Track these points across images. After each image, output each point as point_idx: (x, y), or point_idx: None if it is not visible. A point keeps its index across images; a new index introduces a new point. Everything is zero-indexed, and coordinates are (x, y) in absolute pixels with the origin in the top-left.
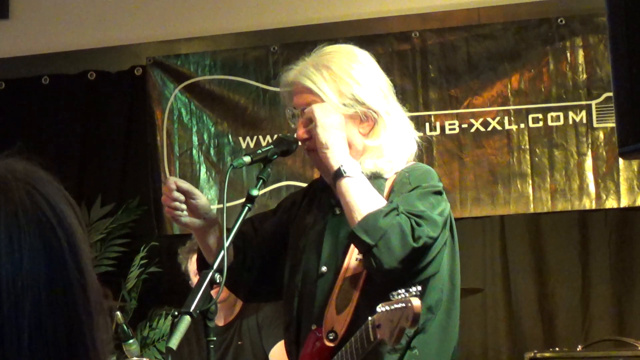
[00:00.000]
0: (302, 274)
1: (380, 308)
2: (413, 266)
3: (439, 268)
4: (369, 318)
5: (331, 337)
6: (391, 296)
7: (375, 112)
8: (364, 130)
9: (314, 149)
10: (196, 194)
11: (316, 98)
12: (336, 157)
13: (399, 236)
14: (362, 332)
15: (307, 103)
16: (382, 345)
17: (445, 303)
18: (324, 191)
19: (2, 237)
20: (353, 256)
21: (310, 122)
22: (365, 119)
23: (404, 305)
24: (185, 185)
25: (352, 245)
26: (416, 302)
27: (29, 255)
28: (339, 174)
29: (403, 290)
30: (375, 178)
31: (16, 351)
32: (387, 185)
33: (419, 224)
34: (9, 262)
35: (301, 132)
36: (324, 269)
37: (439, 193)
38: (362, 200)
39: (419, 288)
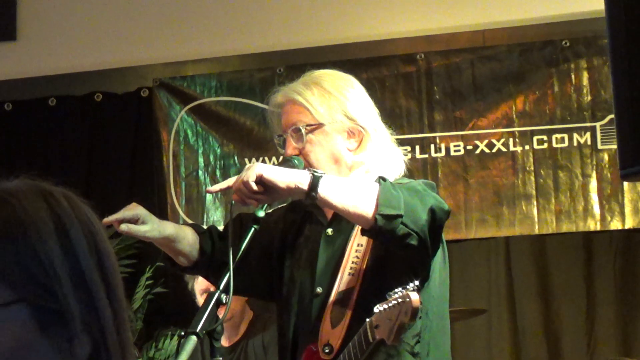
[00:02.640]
0: (297, 295)
1: (377, 308)
2: (436, 232)
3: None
4: (367, 320)
5: (327, 351)
6: (387, 296)
7: (363, 128)
8: (352, 145)
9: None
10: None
11: (305, 112)
12: (299, 177)
13: (416, 196)
14: (360, 335)
15: (296, 118)
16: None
17: (436, 315)
18: (316, 209)
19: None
20: (346, 271)
21: (300, 138)
22: (353, 135)
23: (402, 300)
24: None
25: (344, 261)
26: (414, 295)
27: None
28: (315, 182)
29: (400, 288)
30: None
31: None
32: None
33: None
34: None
35: (291, 149)
36: (318, 289)
37: (433, 189)
38: (357, 190)
39: (417, 283)
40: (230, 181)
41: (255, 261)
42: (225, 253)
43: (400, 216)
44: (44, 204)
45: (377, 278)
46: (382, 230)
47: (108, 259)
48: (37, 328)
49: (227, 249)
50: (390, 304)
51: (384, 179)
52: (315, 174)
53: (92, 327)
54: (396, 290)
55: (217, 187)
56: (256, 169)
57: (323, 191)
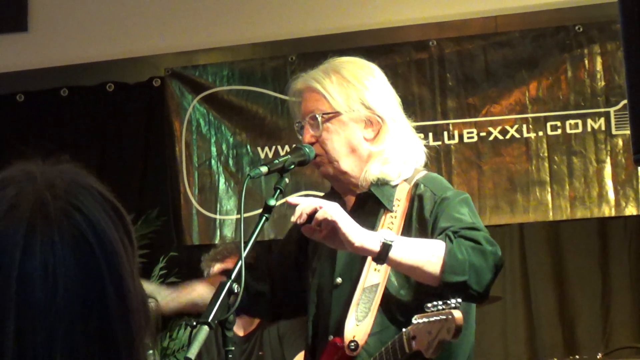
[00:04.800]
0: (317, 285)
1: (416, 320)
2: (494, 280)
3: None
4: (404, 330)
5: (352, 347)
6: (427, 308)
7: (380, 118)
8: (369, 135)
9: (323, 163)
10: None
11: (322, 99)
12: (370, 240)
13: (481, 257)
14: (395, 343)
15: (313, 106)
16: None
17: (462, 308)
18: (336, 199)
19: (37, 263)
20: (371, 266)
21: (317, 126)
22: (370, 124)
23: (444, 317)
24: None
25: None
26: (458, 314)
27: (63, 283)
28: (386, 250)
29: (441, 302)
30: (381, 185)
31: None
32: (402, 195)
33: (478, 242)
34: (43, 290)
35: (308, 137)
36: (338, 280)
37: (464, 194)
38: (424, 253)
39: (459, 300)
40: (310, 207)
41: (294, 284)
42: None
43: (465, 281)
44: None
45: (403, 275)
46: (447, 291)
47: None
48: None
49: (263, 275)
50: (431, 318)
51: (451, 239)
52: (386, 241)
53: None
54: (435, 303)
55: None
56: (334, 216)
57: (392, 257)
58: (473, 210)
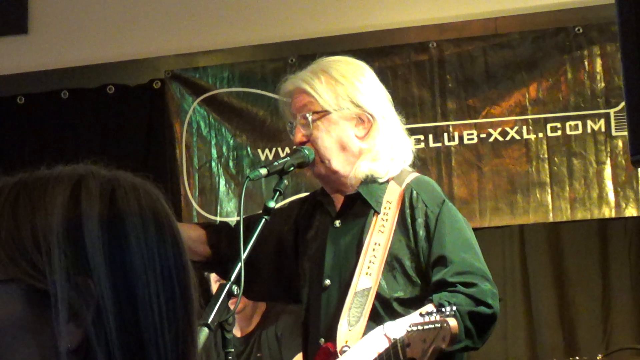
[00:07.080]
0: (307, 288)
1: (410, 327)
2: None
3: None
4: (398, 337)
5: (345, 352)
6: (421, 316)
7: (370, 115)
8: (360, 133)
9: (315, 163)
10: None
11: (312, 99)
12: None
13: (475, 319)
14: (389, 351)
15: (303, 106)
16: None
17: None
18: (325, 198)
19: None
20: (363, 270)
21: (307, 126)
22: (361, 122)
23: (439, 325)
24: None
25: (360, 260)
26: (453, 322)
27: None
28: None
29: (435, 310)
30: (370, 182)
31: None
32: (393, 198)
33: (473, 284)
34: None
35: (299, 136)
36: (327, 282)
37: (454, 208)
38: None
39: (454, 307)
40: None
41: (268, 265)
42: (230, 245)
43: (464, 347)
44: (68, 191)
45: (394, 281)
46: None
47: (155, 261)
48: (26, 308)
49: (233, 242)
50: (425, 326)
51: (443, 304)
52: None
53: (84, 318)
54: (430, 311)
55: None
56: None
57: None
58: (462, 229)
